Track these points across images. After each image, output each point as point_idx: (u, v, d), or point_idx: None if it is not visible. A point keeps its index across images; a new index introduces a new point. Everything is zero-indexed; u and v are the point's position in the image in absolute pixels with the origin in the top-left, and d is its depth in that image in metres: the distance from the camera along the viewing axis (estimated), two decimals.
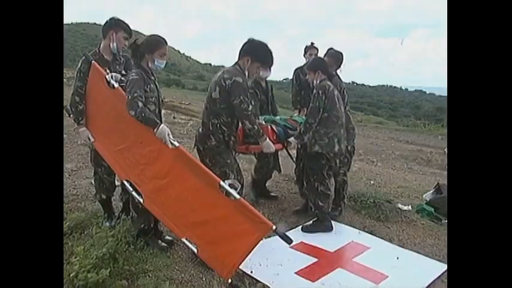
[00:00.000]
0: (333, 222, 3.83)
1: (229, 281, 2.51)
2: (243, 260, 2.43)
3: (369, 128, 13.75)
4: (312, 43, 4.79)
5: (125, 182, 2.85)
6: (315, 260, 3.09)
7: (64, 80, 11.98)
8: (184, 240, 2.62)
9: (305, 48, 4.78)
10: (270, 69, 3.83)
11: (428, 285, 2.78)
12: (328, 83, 3.46)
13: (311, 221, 3.66)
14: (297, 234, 3.54)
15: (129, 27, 3.16)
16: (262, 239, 2.38)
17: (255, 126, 2.97)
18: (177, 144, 2.60)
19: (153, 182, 2.71)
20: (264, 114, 4.06)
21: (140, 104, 2.62)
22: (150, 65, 2.84)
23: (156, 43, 2.85)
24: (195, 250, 2.57)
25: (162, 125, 2.62)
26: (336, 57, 3.99)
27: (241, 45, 3.06)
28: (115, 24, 3.10)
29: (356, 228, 3.71)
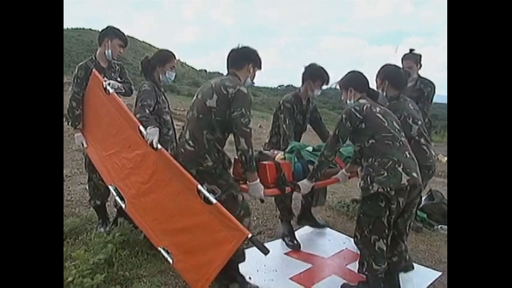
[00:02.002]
0: (327, 229, 3.86)
1: None
2: (218, 271, 2.21)
3: None
4: (411, 50, 3.79)
5: (110, 187, 2.83)
6: (309, 266, 3.12)
7: None
8: (160, 249, 2.43)
9: (402, 58, 3.80)
10: (321, 87, 3.38)
11: None
12: (363, 101, 2.63)
13: (358, 283, 2.77)
14: None
15: (124, 35, 3.25)
16: (238, 247, 2.18)
17: (250, 151, 2.40)
18: (159, 146, 2.49)
19: (137, 186, 2.63)
20: (297, 137, 3.49)
21: (147, 111, 2.76)
22: (161, 77, 3.04)
23: (167, 56, 3.07)
24: (171, 261, 2.38)
25: (156, 128, 2.59)
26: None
27: (232, 54, 2.64)
28: (110, 32, 3.21)
29: (349, 235, 3.73)
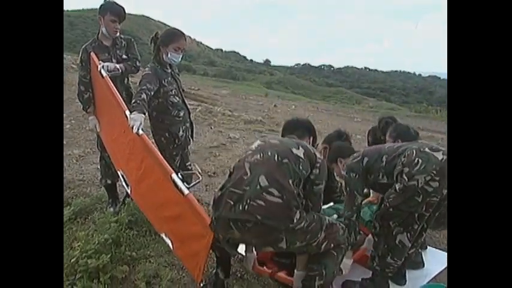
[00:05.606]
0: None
1: (201, 284, 2.20)
2: (205, 262, 2.09)
3: (381, 114, 13.53)
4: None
5: (118, 172, 2.81)
6: None
7: (74, 66, 11.96)
8: (162, 235, 2.36)
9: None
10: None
11: (435, 276, 2.75)
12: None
13: (361, 279, 2.53)
14: None
15: (117, 8, 3.05)
16: (211, 243, 2.01)
17: None
18: (141, 132, 2.41)
19: (134, 172, 2.58)
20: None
21: (143, 95, 2.62)
22: (165, 58, 2.85)
23: (171, 36, 2.85)
24: (171, 246, 2.29)
25: (141, 114, 2.50)
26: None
27: (292, 122, 2.44)
28: (103, 9, 3.04)
29: None
